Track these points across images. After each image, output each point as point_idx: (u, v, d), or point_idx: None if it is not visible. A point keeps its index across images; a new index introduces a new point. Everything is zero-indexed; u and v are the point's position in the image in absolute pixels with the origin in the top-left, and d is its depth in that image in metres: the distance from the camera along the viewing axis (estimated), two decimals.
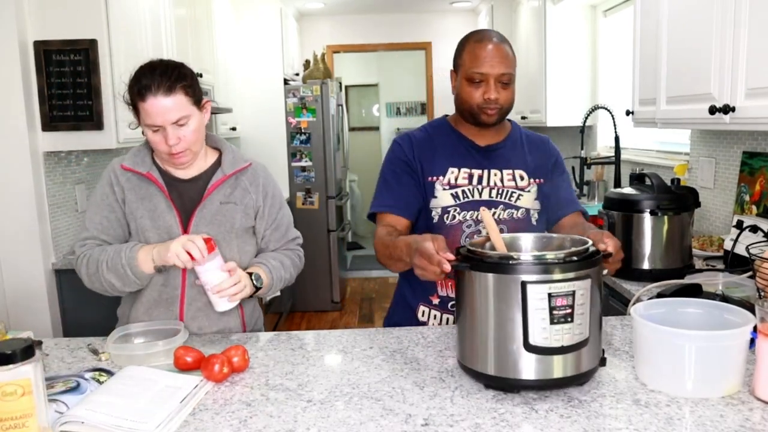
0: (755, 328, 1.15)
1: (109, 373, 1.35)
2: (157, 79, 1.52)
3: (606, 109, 3.47)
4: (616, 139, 3.41)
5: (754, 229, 1.95)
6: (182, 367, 1.36)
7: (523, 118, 4.69)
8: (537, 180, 1.72)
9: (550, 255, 1.17)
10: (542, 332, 1.15)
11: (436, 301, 1.71)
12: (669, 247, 2.01)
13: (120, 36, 2.73)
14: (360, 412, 1.15)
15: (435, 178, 1.67)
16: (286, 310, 4.95)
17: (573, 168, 3.68)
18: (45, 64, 2.61)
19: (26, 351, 0.99)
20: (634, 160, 3.49)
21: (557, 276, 1.14)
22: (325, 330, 1.66)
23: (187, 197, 1.66)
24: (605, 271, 1.41)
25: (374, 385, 1.27)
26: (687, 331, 1.15)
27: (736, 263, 1.92)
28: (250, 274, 1.61)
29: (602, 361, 1.25)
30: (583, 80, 4.28)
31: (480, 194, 1.67)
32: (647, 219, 2.00)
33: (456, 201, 1.66)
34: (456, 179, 1.67)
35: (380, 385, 1.26)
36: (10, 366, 0.98)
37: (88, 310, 2.77)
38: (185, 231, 1.62)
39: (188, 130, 1.56)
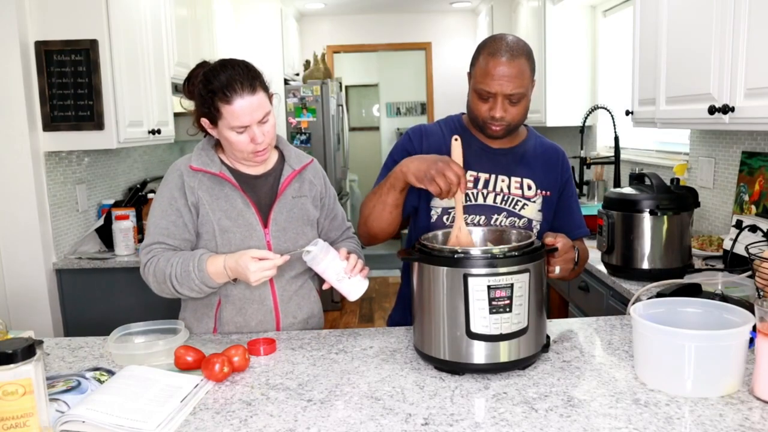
0: (754, 328, 1.16)
1: (110, 372, 1.35)
2: (239, 79, 1.51)
3: (606, 109, 3.48)
4: (616, 139, 3.41)
5: (754, 228, 1.95)
6: (183, 367, 1.37)
7: None
8: (544, 192, 1.69)
9: (493, 250, 1.26)
10: (482, 321, 1.25)
11: None
12: (668, 246, 2.01)
13: (121, 36, 2.73)
14: (360, 411, 1.15)
15: None
16: None
17: (573, 168, 3.68)
18: (46, 65, 2.61)
19: (27, 350, 1.00)
20: (634, 160, 3.50)
21: (497, 269, 1.24)
22: (325, 330, 1.66)
23: (261, 193, 1.66)
24: (557, 270, 1.44)
25: (374, 384, 1.27)
26: (686, 330, 1.15)
27: (736, 263, 1.92)
28: None
29: (545, 347, 1.35)
30: (582, 80, 4.28)
31: (484, 198, 1.64)
32: (647, 219, 2.01)
33: None
34: None
35: (380, 385, 1.27)
36: (11, 365, 0.98)
37: (88, 309, 2.77)
38: (265, 227, 1.63)
39: (269, 125, 1.56)
